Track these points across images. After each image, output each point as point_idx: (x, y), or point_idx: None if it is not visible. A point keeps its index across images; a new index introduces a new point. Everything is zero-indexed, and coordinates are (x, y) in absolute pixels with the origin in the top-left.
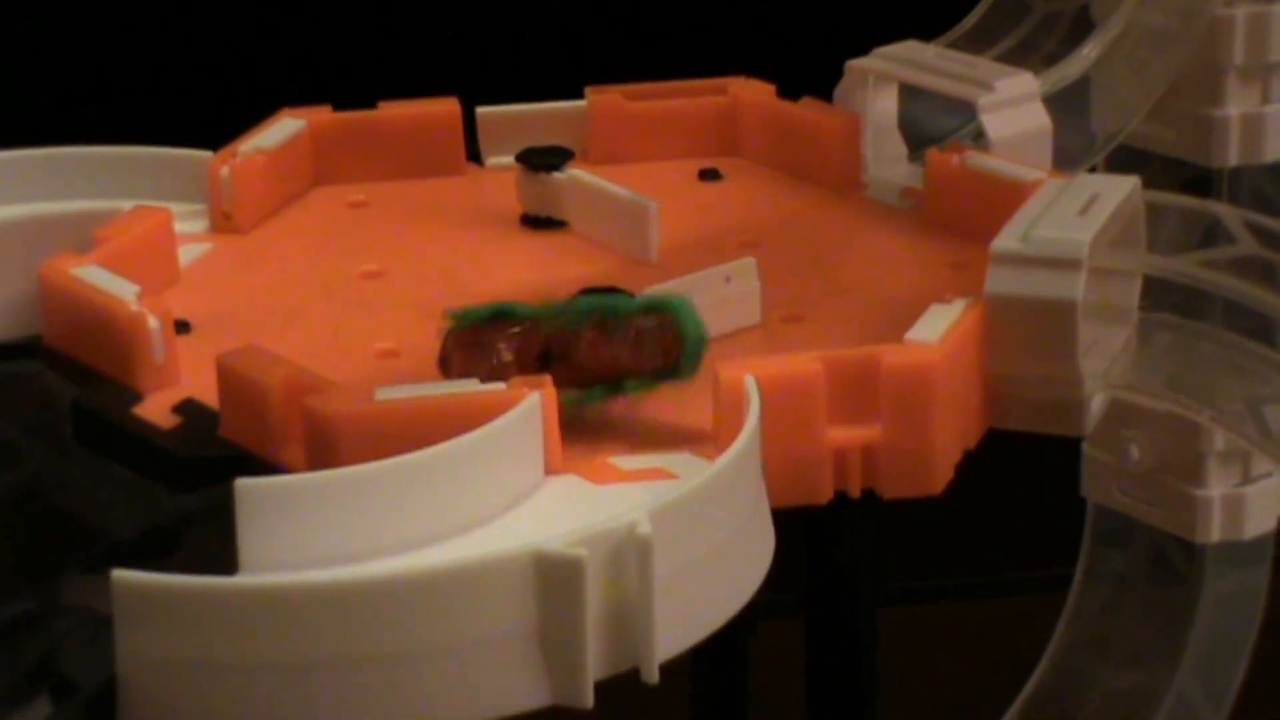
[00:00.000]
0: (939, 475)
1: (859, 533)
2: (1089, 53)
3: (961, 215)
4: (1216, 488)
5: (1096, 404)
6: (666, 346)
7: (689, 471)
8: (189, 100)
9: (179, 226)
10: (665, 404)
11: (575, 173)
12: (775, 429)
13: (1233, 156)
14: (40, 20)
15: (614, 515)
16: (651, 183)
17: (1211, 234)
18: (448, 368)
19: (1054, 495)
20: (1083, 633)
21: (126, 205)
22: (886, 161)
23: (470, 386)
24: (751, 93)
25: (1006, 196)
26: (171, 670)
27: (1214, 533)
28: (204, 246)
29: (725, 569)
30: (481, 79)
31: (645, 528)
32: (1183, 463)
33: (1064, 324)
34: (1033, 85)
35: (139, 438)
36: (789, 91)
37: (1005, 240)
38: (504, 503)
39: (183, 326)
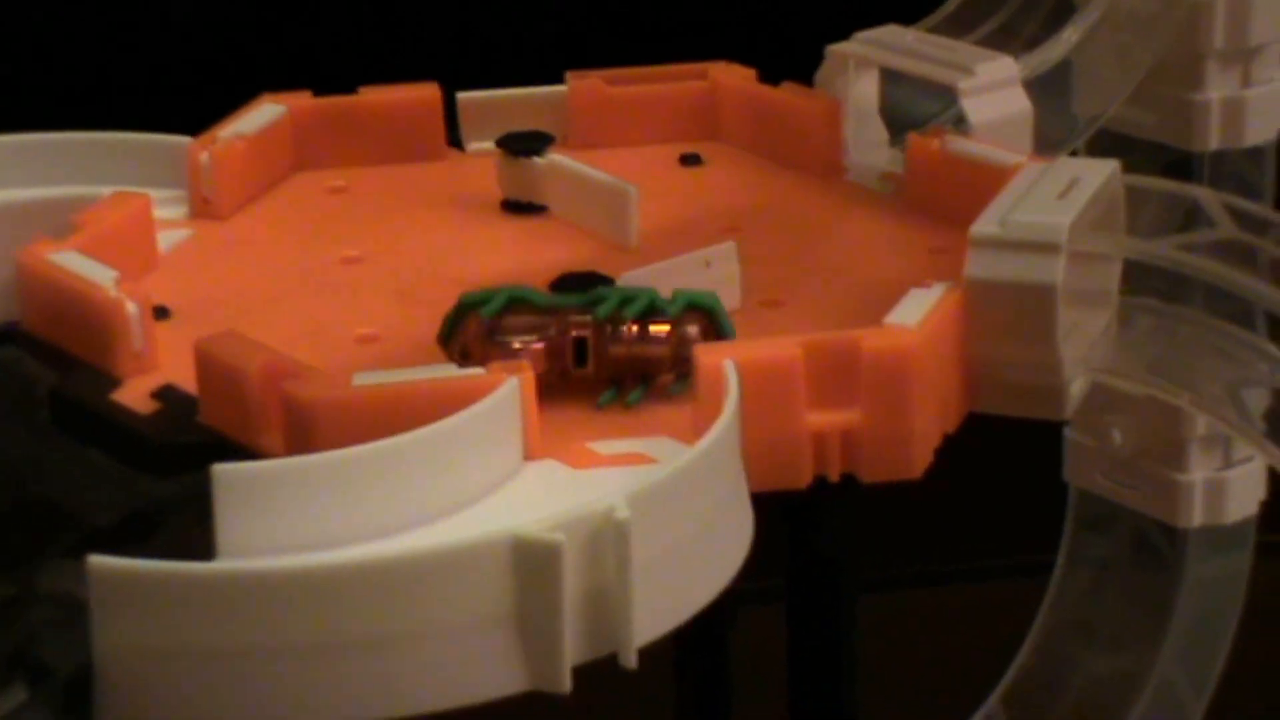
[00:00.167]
0: (918, 459)
1: (839, 517)
2: (1070, 37)
3: (942, 200)
4: (1198, 472)
5: (1077, 388)
6: None
7: (668, 456)
8: (168, 86)
9: (158, 212)
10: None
11: (556, 158)
12: (754, 413)
13: (1213, 140)
14: (18, 6)
15: (592, 500)
16: (632, 167)
17: (1192, 218)
18: (465, 357)
19: (1036, 480)
20: (1065, 618)
21: (105, 191)
22: (867, 146)
23: (449, 371)
24: (732, 77)
25: (987, 181)
26: (148, 656)
27: (1196, 517)
28: (183, 232)
29: (704, 554)
30: (462, 64)
31: (623, 512)
32: (1164, 447)
33: (1043, 308)
34: (1013, 69)
35: (117, 424)
36: (770, 76)
37: (984, 225)
38: (483, 488)
39: (162, 312)
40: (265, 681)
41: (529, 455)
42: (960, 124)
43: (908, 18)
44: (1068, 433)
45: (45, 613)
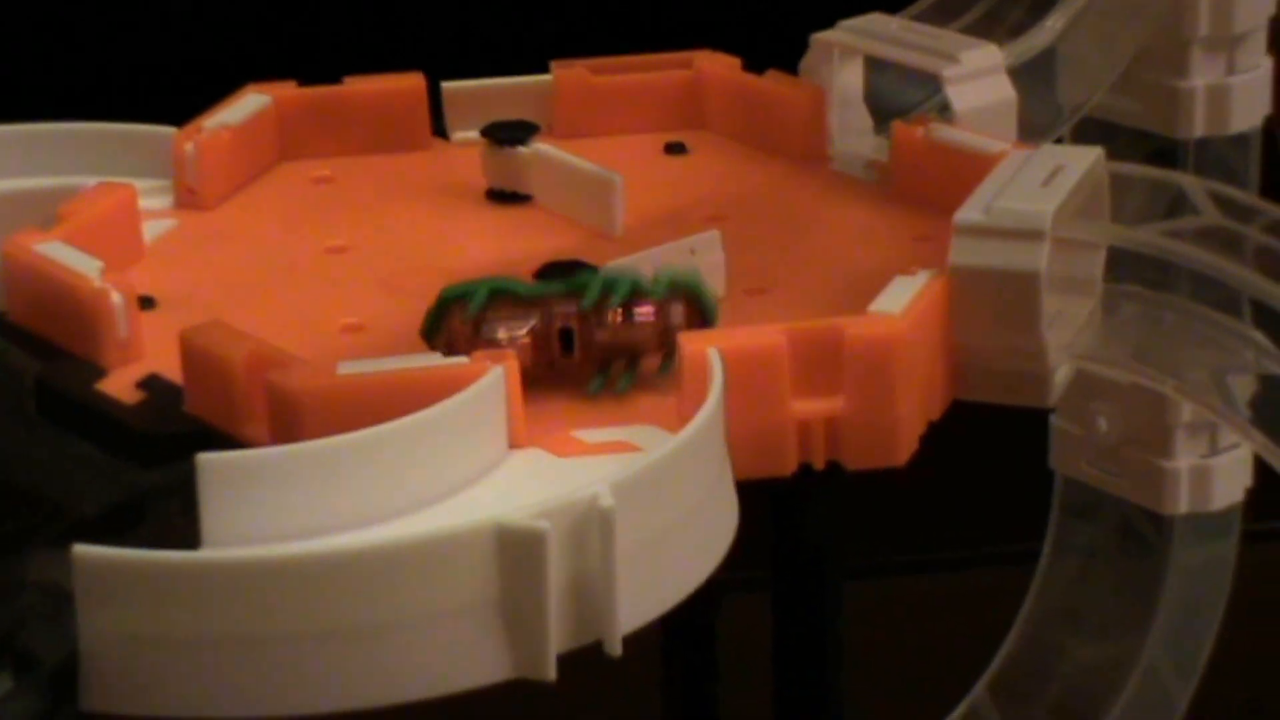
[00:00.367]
0: (903, 447)
1: (824, 505)
2: (1054, 24)
3: (926, 187)
4: (1184, 459)
5: (1062, 375)
6: (691, 327)
7: (652, 444)
8: (153, 76)
9: (143, 202)
10: None
11: (540, 147)
12: (739, 401)
13: (1198, 128)
14: None
15: (577, 488)
16: (617, 156)
17: (1176, 205)
18: (451, 350)
19: (1022, 468)
20: (1052, 605)
21: (90, 181)
22: (852, 134)
23: (434, 361)
24: (717, 66)
25: (971, 168)
26: (134, 645)
27: (1182, 504)
28: (168, 222)
29: (688, 541)
30: (447, 53)
31: (608, 500)
32: (1150, 434)
33: (1027, 295)
34: (998, 57)
35: (103, 413)
36: (754, 65)
37: (968, 212)
38: (467, 476)
39: (147, 302)
40: (251, 670)
41: (514, 444)
42: (945, 112)
43: (892, 6)
44: (1053, 420)
45: (31, 602)
